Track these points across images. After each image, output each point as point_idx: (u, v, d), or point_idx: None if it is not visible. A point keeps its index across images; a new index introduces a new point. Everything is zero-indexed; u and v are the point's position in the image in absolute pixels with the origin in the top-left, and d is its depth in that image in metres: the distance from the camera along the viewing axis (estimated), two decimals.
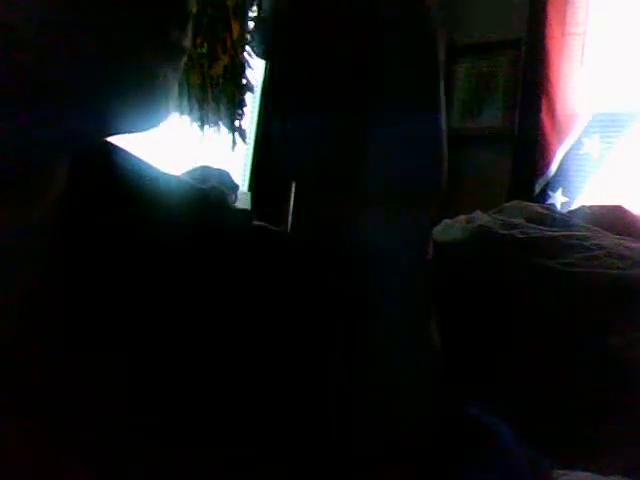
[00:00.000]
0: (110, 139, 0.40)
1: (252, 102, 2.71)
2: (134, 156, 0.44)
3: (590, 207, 1.38)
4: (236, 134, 2.59)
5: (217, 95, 2.52)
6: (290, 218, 2.63)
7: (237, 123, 2.60)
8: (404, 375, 0.38)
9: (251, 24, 2.60)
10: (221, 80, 2.52)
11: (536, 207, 1.19)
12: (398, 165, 0.32)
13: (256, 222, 0.48)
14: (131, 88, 0.32)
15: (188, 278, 0.41)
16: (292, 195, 2.63)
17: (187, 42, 0.34)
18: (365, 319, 0.37)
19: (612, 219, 1.22)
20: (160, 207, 0.43)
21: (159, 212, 0.43)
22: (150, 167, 0.45)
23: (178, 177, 0.48)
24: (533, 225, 1.08)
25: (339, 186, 0.33)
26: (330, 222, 0.35)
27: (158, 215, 0.42)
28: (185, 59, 0.35)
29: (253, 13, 2.62)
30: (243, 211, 0.49)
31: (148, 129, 0.34)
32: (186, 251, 0.42)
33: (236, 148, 2.62)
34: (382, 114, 0.31)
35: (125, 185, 0.42)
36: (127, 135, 0.35)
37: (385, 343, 0.37)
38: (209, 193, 0.47)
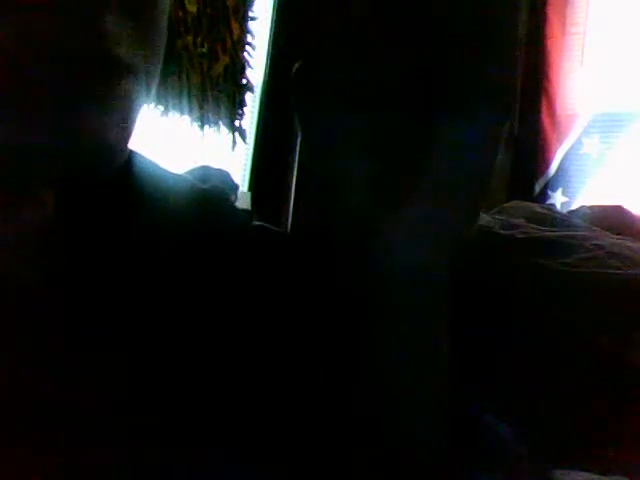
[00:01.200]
0: None
1: (252, 102, 2.71)
2: (138, 154, 0.44)
3: (590, 207, 1.37)
4: (236, 134, 2.59)
5: (217, 95, 2.52)
6: (290, 218, 2.63)
7: (237, 123, 2.60)
8: (413, 382, 0.38)
9: (251, 24, 2.60)
10: (221, 80, 2.52)
11: (536, 207, 1.19)
12: (459, 163, 0.32)
13: (256, 222, 0.48)
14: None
15: (188, 276, 0.41)
16: (292, 195, 2.63)
17: (117, 92, 0.34)
18: (383, 322, 0.36)
19: (612, 219, 1.21)
20: (161, 205, 0.43)
21: (160, 210, 0.43)
22: (153, 164, 0.45)
23: (180, 175, 0.47)
24: (533, 225, 1.08)
25: (394, 184, 0.32)
26: (372, 221, 0.34)
27: (159, 213, 0.43)
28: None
29: (253, 13, 2.62)
30: (243, 211, 0.49)
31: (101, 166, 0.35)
32: (186, 250, 0.42)
33: (236, 148, 2.62)
34: (453, 117, 0.30)
35: (127, 182, 0.42)
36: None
37: (395, 348, 0.37)
38: (210, 192, 0.47)
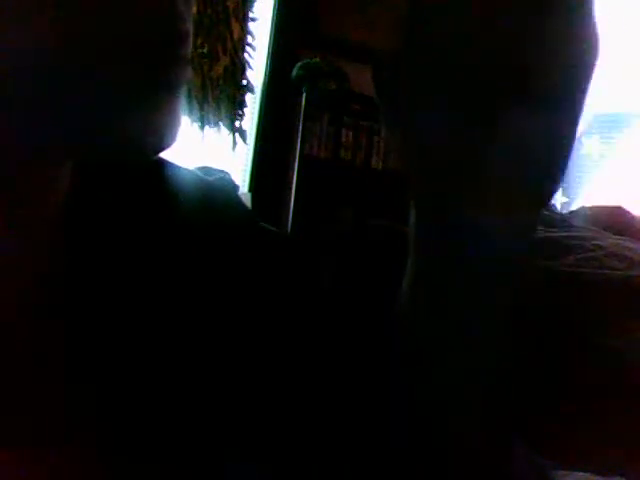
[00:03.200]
0: None
1: (252, 103, 2.72)
2: None
3: (590, 208, 1.38)
4: (236, 135, 2.60)
5: (217, 96, 2.53)
6: (290, 219, 2.63)
7: (237, 124, 2.60)
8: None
9: (252, 25, 2.61)
10: (221, 81, 2.53)
11: None
12: (526, 164, 0.31)
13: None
14: (132, 122, 0.32)
15: (189, 274, 0.42)
16: (292, 195, 2.64)
17: (185, 77, 0.34)
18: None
19: (612, 220, 1.22)
20: (167, 198, 0.43)
21: (165, 203, 0.43)
22: (160, 159, 0.45)
23: (186, 168, 0.48)
24: None
25: (464, 185, 0.32)
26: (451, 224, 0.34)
27: (165, 207, 0.43)
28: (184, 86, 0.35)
29: (253, 14, 2.62)
30: (247, 208, 0.49)
31: (155, 154, 0.35)
32: (188, 246, 0.42)
33: (236, 149, 2.62)
34: (523, 112, 0.30)
35: (132, 176, 0.42)
36: None
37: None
38: (217, 184, 0.47)
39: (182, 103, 0.35)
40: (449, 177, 0.32)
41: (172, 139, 0.34)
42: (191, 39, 0.34)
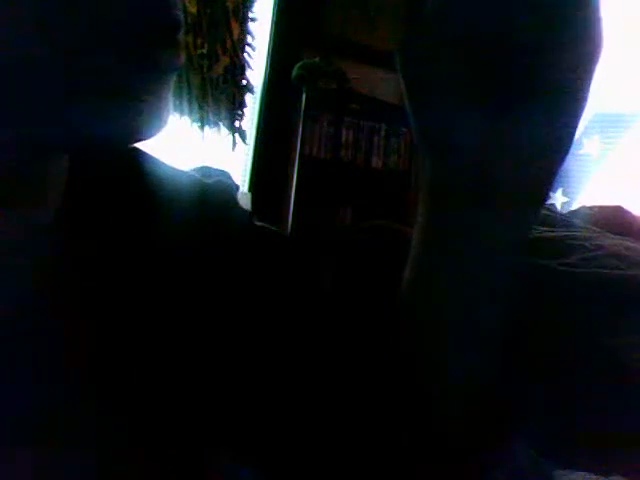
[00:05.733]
0: None
1: (252, 103, 2.72)
2: (143, 151, 0.44)
3: (590, 207, 1.38)
4: (236, 135, 2.60)
5: (217, 96, 2.53)
6: (290, 219, 2.63)
7: (237, 124, 2.60)
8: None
9: (251, 25, 2.60)
10: (221, 81, 2.53)
11: None
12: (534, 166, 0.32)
13: (256, 222, 0.49)
14: (123, 107, 0.32)
15: (188, 274, 0.42)
16: (292, 196, 2.64)
17: (178, 61, 0.34)
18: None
19: (612, 219, 1.22)
20: (167, 199, 0.43)
21: (166, 204, 0.43)
22: (158, 161, 0.45)
23: (185, 171, 0.48)
24: None
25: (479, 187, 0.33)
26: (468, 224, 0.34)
27: (165, 206, 0.43)
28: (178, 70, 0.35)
29: (253, 14, 2.62)
30: (245, 211, 0.50)
31: (142, 140, 0.35)
32: (187, 246, 0.42)
33: (236, 149, 2.62)
34: (526, 114, 0.31)
35: (134, 176, 0.42)
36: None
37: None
38: (215, 187, 0.48)
39: (171, 91, 0.35)
40: (467, 168, 0.33)
41: (162, 125, 0.34)
42: (183, 25, 0.34)
